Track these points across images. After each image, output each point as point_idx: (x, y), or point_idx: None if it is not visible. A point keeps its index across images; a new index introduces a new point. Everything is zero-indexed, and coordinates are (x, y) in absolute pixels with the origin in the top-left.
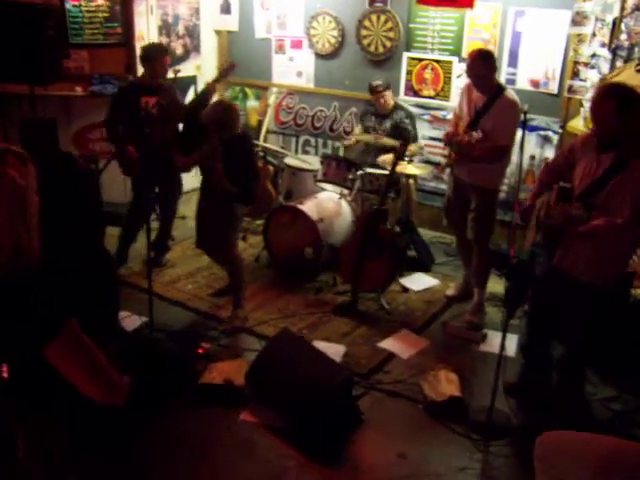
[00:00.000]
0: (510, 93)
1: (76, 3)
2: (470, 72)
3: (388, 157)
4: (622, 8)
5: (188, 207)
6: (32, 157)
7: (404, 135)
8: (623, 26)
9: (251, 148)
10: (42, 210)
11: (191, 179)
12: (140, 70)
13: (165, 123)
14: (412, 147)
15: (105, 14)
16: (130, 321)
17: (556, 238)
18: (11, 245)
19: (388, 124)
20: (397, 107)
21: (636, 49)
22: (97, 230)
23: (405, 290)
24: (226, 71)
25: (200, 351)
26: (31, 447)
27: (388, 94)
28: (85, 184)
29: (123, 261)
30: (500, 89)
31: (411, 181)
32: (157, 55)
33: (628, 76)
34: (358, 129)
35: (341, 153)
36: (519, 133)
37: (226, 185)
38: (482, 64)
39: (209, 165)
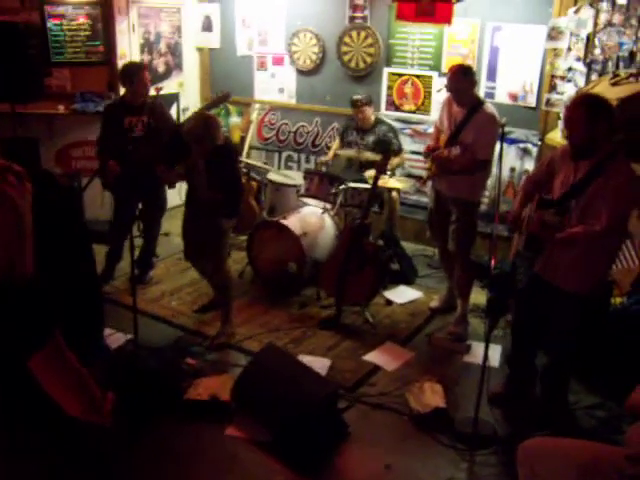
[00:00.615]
0: (489, 107)
1: (57, 22)
2: (451, 86)
3: (372, 172)
4: (595, 24)
5: (172, 224)
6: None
7: (389, 149)
8: (597, 41)
9: (234, 159)
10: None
11: (175, 196)
12: (122, 88)
13: (150, 142)
14: (395, 160)
15: (87, 32)
16: (114, 338)
17: (537, 246)
18: (6, 260)
19: (370, 139)
20: (379, 122)
21: (610, 63)
22: (81, 247)
23: (389, 303)
24: (220, 100)
25: (185, 367)
26: (14, 464)
27: (368, 109)
28: (66, 202)
29: (109, 278)
30: (479, 103)
31: (394, 194)
32: (136, 72)
33: (603, 89)
34: (336, 144)
35: (309, 158)
36: (498, 146)
37: (211, 196)
38: (462, 78)
39: (193, 178)
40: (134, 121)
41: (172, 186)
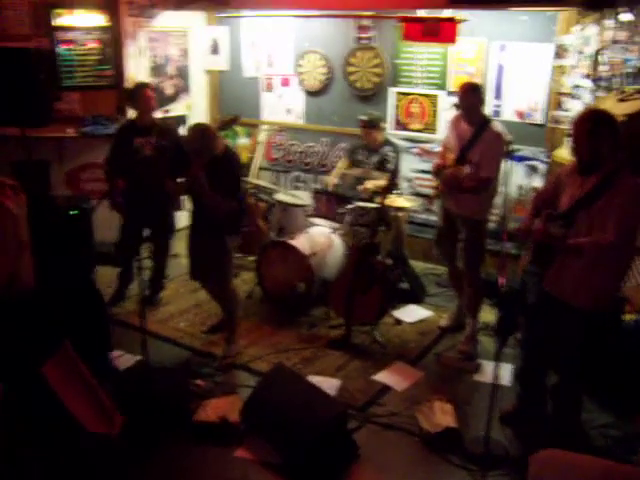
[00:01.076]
0: (496, 125)
1: (67, 47)
2: (462, 104)
3: (368, 185)
4: (601, 41)
5: (180, 245)
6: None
7: (385, 168)
8: (603, 58)
9: (234, 166)
10: (33, 241)
11: (183, 218)
12: (129, 110)
13: (159, 163)
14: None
15: (96, 57)
16: (124, 360)
17: (544, 260)
18: (7, 271)
19: (375, 159)
20: (386, 142)
21: (616, 79)
22: (81, 266)
23: (398, 322)
24: (228, 122)
25: (194, 388)
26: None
27: (375, 132)
28: (63, 223)
29: (120, 299)
30: (486, 121)
31: (401, 214)
32: (137, 90)
33: (610, 106)
34: (342, 163)
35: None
36: (505, 164)
37: (214, 200)
38: (472, 95)
39: (195, 191)
40: (143, 142)
41: (178, 207)
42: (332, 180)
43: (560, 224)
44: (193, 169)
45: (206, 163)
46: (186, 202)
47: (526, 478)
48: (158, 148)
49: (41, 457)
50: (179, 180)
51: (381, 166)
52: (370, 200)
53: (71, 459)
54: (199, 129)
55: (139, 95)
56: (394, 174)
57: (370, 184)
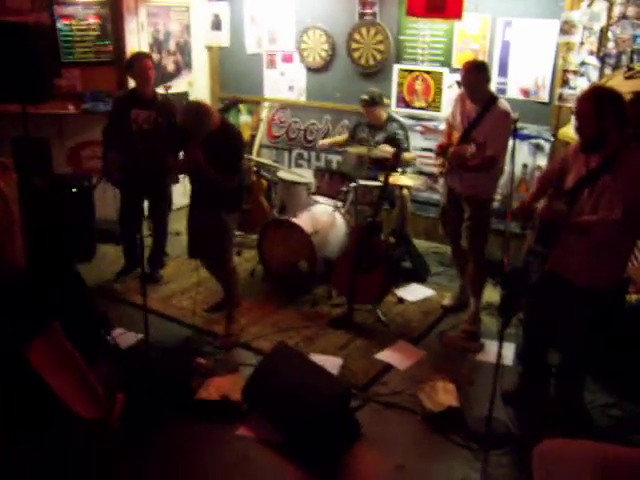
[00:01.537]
0: (502, 103)
1: (67, 22)
2: (465, 82)
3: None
4: (609, 17)
5: (181, 223)
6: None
7: (398, 147)
8: (610, 34)
9: (231, 141)
10: (30, 220)
11: (185, 195)
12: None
13: (157, 138)
14: (407, 156)
15: (96, 32)
16: (125, 338)
17: (548, 239)
18: None
19: (381, 136)
20: (390, 119)
21: (624, 57)
22: (58, 248)
23: (401, 301)
24: (229, 106)
25: (196, 367)
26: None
27: (377, 109)
28: (39, 202)
29: (125, 273)
30: (492, 99)
31: (405, 192)
32: (136, 60)
33: (617, 83)
34: (342, 137)
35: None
36: (511, 142)
37: (215, 177)
38: (476, 74)
39: (193, 167)
40: (140, 114)
41: (176, 180)
42: (323, 142)
43: (563, 201)
44: (190, 148)
45: (203, 140)
46: (184, 178)
47: (528, 460)
48: (156, 122)
49: (30, 443)
50: (178, 157)
51: (388, 144)
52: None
53: (62, 444)
54: (193, 106)
55: (138, 66)
56: (402, 151)
57: (379, 151)
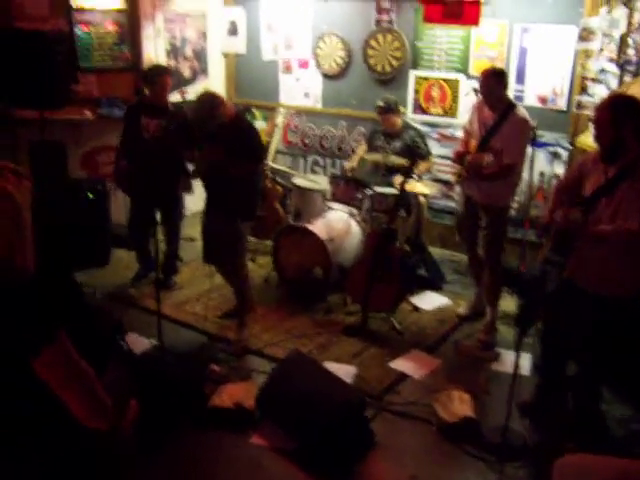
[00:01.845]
0: (521, 111)
1: (85, 29)
2: (483, 89)
3: (424, 164)
4: (629, 23)
5: (195, 229)
6: (32, 176)
7: (417, 154)
8: (630, 41)
9: (245, 132)
10: (34, 226)
11: (199, 201)
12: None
13: (166, 145)
14: (423, 165)
15: (113, 39)
16: (139, 344)
17: (564, 248)
18: (5, 258)
19: (398, 144)
20: (406, 127)
21: None
22: (60, 257)
23: (416, 309)
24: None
25: (209, 374)
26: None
27: (393, 117)
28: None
29: (139, 279)
30: (510, 106)
31: (422, 199)
32: (157, 76)
33: (638, 91)
34: (361, 149)
35: (335, 162)
36: (529, 150)
37: (234, 165)
38: (495, 82)
39: (213, 164)
40: (151, 123)
41: (188, 187)
42: (350, 165)
43: (580, 210)
44: (208, 147)
45: (216, 131)
46: (198, 186)
47: (545, 472)
48: (166, 130)
49: (35, 450)
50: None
51: (405, 151)
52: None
53: (67, 452)
54: (207, 96)
55: (157, 81)
56: (427, 156)
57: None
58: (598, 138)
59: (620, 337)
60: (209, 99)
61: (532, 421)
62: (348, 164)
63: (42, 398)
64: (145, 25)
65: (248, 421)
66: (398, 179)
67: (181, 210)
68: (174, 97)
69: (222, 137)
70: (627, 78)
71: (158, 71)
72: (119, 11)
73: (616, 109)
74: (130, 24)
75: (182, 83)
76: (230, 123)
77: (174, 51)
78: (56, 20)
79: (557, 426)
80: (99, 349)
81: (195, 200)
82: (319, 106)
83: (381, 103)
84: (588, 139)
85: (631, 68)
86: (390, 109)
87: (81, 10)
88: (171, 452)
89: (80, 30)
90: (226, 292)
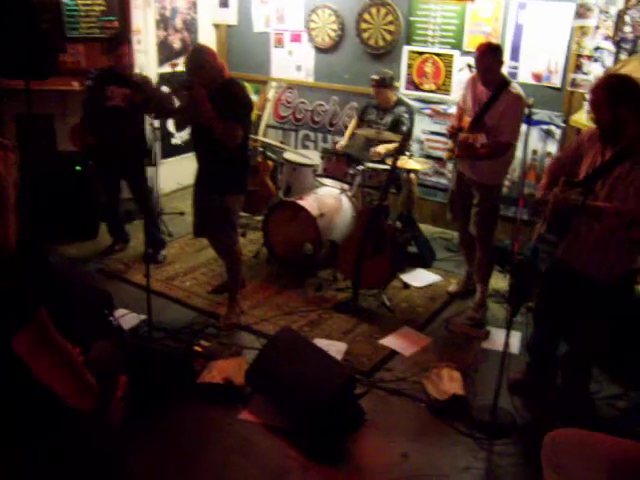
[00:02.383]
0: (515, 87)
1: None
2: (478, 65)
3: (380, 148)
4: (626, 0)
5: (187, 203)
6: (18, 148)
7: (399, 129)
8: (627, 18)
9: (237, 94)
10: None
11: (187, 175)
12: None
13: (130, 115)
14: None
15: (101, 7)
16: (128, 319)
17: (561, 227)
18: None
19: (389, 119)
20: (399, 102)
21: None
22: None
23: (406, 286)
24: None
25: (199, 349)
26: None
27: (387, 91)
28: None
29: (118, 240)
30: (505, 83)
31: (413, 176)
32: (114, 45)
33: (633, 69)
34: (352, 124)
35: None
36: (523, 127)
37: (218, 124)
38: (491, 57)
39: (197, 113)
40: (115, 91)
41: (181, 127)
42: (341, 144)
43: (579, 191)
44: (196, 91)
45: (208, 88)
46: (187, 159)
47: (533, 450)
48: (130, 100)
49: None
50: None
51: (395, 127)
52: (381, 163)
53: (53, 433)
54: (197, 47)
55: (115, 49)
56: (407, 135)
57: (381, 148)
58: (596, 120)
59: (609, 317)
60: (199, 48)
61: (521, 399)
62: (342, 141)
63: (23, 378)
64: None
65: (238, 397)
66: (380, 149)
67: (145, 182)
68: (164, 69)
69: (212, 97)
70: (623, 56)
71: (115, 40)
72: None
73: (612, 90)
74: None
75: (172, 55)
76: (223, 85)
77: (164, 22)
78: None
79: (546, 404)
80: (86, 324)
81: (184, 174)
82: (311, 80)
83: (376, 77)
84: (582, 117)
85: (627, 46)
86: (385, 83)
87: None
88: (160, 428)
89: None
90: (216, 267)
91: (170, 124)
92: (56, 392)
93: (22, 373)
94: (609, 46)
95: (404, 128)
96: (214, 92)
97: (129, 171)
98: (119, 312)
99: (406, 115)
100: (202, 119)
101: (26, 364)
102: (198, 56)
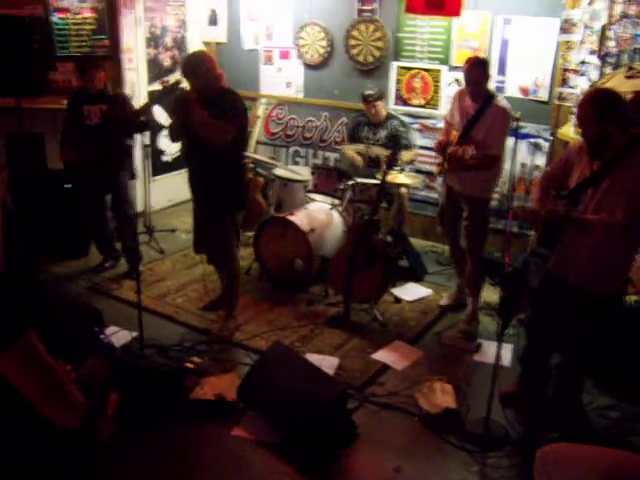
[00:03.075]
0: (501, 100)
1: (62, 16)
2: (468, 78)
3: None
4: (610, 15)
5: (178, 220)
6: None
7: (400, 143)
8: (611, 33)
9: (235, 100)
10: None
11: (183, 191)
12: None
13: (108, 131)
14: (406, 155)
15: (92, 26)
16: (119, 336)
17: (550, 241)
18: None
19: (383, 134)
20: (390, 116)
21: (625, 56)
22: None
23: (398, 301)
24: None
25: (191, 366)
26: None
27: (380, 104)
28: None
29: (111, 257)
30: (491, 97)
31: (403, 190)
32: (86, 68)
33: (617, 83)
34: (351, 146)
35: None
36: (511, 141)
37: (209, 123)
38: (480, 70)
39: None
40: (92, 110)
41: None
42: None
43: (565, 202)
44: (191, 105)
45: (202, 92)
46: (179, 176)
47: (526, 463)
48: (107, 116)
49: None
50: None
51: (390, 141)
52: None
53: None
54: (198, 51)
55: (87, 72)
56: (410, 147)
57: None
58: (584, 134)
59: (601, 329)
60: (195, 53)
61: (513, 412)
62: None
63: (8, 396)
64: (124, 13)
65: (230, 413)
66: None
67: (126, 197)
68: (154, 86)
69: (208, 106)
70: (608, 70)
71: (89, 65)
72: None
73: (599, 104)
74: (108, 11)
75: (163, 73)
76: (219, 93)
77: (154, 40)
78: (33, 6)
79: (538, 417)
80: (77, 342)
81: (175, 190)
82: (301, 96)
83: (371, 92)
84: (569, 130)
85: (611, 60)
86: (379, 97)
87: None
88: (152, 445)
89: (57, 17)
90: (207, 283)
91: (161, 142)
92: (42, 410)
93: (7, 392)
94: (594, 60)
95: (405, 142)
96: (210, 99)
97: (111, 186)
98: (110, 330)
99: (402, 129)
100: (193, 123)
101: (11, 383)
102: (196, 58)
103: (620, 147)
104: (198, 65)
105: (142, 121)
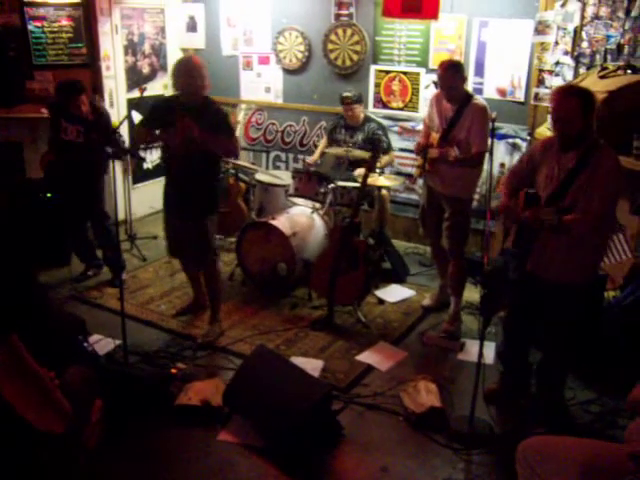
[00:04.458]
0: (478, 99)
1: (39, 24)
2: (442, 82)
3: (385, 158)
4: (582, 17)
5: (160, 227)
6: None
7: (378, 146)
8: (584, 34)
9: (219, 110)
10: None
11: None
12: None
13: (85, 150)
14: (384, 158)
15: (69, 34)
16: (103, 344)
17: (525, 243)
18: None
19: (360, 137)
20: (367, 119)
21: (597, 56)
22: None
23: (381, 302)
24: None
25: (175, 372)
26: None
27: (358, 107)
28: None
29: (94, 266)
30: (468, 97)
31: (384, 192)
32: (70, 96)
33: (591, 82)
34: (323, 143)
35: (297, 158)
36: (489, 141)
37: (211, 139)
38: (453, 73)
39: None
40: (69, 128)
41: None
42: (312, 159)
43: (551, 210)
44: (180, 119)
45: (189, 99)
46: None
47: (511, 459)
48: (84, 135)
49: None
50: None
51: (367, 144)
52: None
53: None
54: (192, 55)
55: (71, 100)
56: (388, 150)
57: (357, 152)
58: (563, 127)
59: (580, 324)
60: (185, 61)
61: (497, 409)
62: (310, 158)
63: None
64: (101, 20)
65: (216, 418)
66: (360, 171)
67: (102, 206)
68: (134, 94)
69: (195, 116)
70: (581, 70)
71: (71, 90)
72: (73, 5)
73: (584, 99)
74: (86, 19)
75: (141, 80)
76: (204, 103)
77: (132, 47)
78: (8, 15)
79: (521, 413)
80: (61, 350)
81: (157, 198)
82: (280, 101)
83: (349, 94)
84: (546, 130)
85: (585, 60)
86: (358, 100)
87: (34, 4)
88: (138, 451)
89: (33, 26)
90: (189, 290)
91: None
92: (26, 415)
93: None
94: (568, 61)
95: (384, 145)
96: (195, 108)
97: (85, 198)
98: (94, 338)
99: (379, 132)
100: (195, 142)
101: None
102: (191, 62)
103: (591, 143)
104: (196, 67)
105: (119, 144)
